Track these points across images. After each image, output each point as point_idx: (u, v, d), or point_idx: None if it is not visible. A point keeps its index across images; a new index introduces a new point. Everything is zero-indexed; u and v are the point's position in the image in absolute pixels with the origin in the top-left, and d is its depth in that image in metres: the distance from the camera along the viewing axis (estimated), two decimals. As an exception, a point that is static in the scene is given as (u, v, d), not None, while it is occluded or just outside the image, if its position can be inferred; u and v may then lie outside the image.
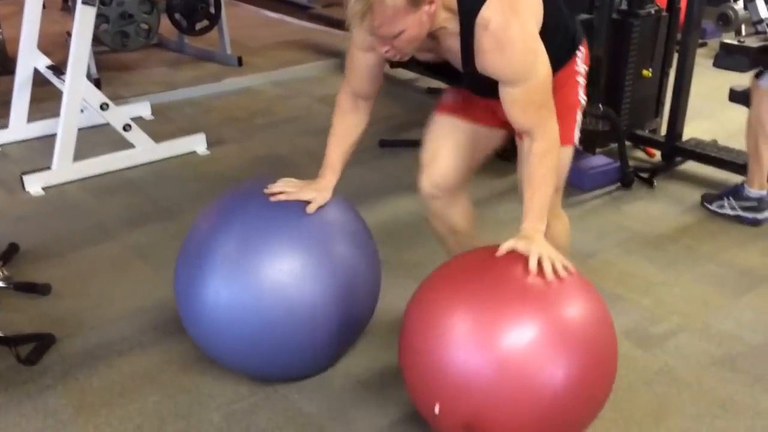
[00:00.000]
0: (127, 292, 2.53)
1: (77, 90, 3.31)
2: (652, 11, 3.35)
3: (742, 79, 2.99)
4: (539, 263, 1.62)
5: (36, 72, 3.72)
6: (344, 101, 1.94)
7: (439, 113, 1.98)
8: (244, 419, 1.94)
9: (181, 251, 2.02)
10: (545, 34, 1.68)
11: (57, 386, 2.07)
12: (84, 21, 3.23)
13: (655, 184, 3.26)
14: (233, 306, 1.85)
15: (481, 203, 3.15)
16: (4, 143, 3.79)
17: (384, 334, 2.23)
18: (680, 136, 3.42)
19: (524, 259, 1.64)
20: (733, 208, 2.94)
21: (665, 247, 2.79)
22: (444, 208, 2.01)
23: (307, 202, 1.91)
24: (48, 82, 3.68)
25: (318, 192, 1.92)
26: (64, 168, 3.34)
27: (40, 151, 3.63)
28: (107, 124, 3.52)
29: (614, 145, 3.45)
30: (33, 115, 3.84)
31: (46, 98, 3.95)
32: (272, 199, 1.90)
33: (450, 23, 1.65)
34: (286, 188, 1.92)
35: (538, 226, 1.70)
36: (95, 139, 3.73)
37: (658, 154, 3.53)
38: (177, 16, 5.11)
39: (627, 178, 3.26)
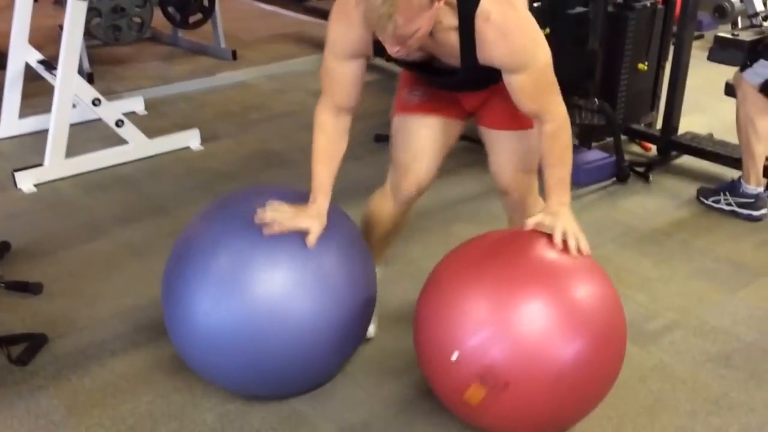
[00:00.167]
0: (120, 290, 2.51)
1: (69, 85, 3.28)
2: (648, 4, 3.32)
3: (738, 73, 2.98)
4: (564, 240, 1.71)
5: (27, 67, 3.69)
6: (326, 118, 1.84)
7: (406, 113, 1.98)
8: (238, 419, 1.93)
9: (169, 266, 1.91)
10: None
11: (49, 387, 2.06)
12: (75, 15, 3.20)
13: (651, 178, 3.25)
14: (223, 324, 1.74)
15: (476, 198, 3.14)
16: (-4, 139, 3.77)
17: (380, 332, 2.22)
18: (676, 130, 3.40)
19: (539, 241, 1.74)
20: (728, 204, 2.93)
21: (661, 242, 2.78)
22: (408, 207, 2.09)
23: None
24: (40, 77, 3.65)
25: (313, 219, 1.79)
26: (57, 164, 3.32)
27: (33, 147, 3.61)
28: (100, 120, 3.50)
29: (610, 140, 3.43)
30: (25, 111, 3.82)
31: (38, 93, 3.93)
32: (266, 232, 1.75)
33: (448, 18, 1.65)
34: (277, 216, 1.77)
35: (563, 200, 1.79)
36: (88, 134, 3.71)
37: (653, 149, 3.52)
38: (170, 9, 5.08)
39: (623, 173, 3.25)
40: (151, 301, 2.42)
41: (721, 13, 2.94)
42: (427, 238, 2.77)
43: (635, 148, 3.60)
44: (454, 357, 1.63)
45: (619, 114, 3.41)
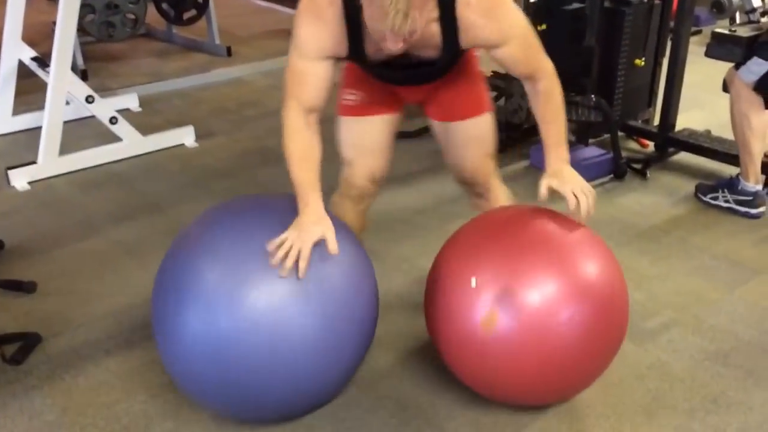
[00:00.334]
0: (114, 288, 2.50)
1: (62, 82, 3.26)
2: (645, -1, 3.31)
3: (735, 69, 2.97)
4: (577, 199, 1.78)
5: (21, 64, 3.67)
6: (296, 120, 1.77)
7: (351, 115, 2.01)
8: (234, 418, 1.91)
9: (158, 281, 1.79)
10: None
11: (43, 386, 2.04)
12: (68, 12, 3.18)
13: (648, 175, 3.24)
14: (215, 344, 1.63)
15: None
16: (-10, 137, 3.74)
17: (377, 332, 2.20)
18: (673, 126, 3.39)
19: (545, 216, 1.81)
20: (727, 201, 2.92)
21: (658, 239, 2.78)
22: (366, 201, 2.12)
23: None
24: (33, 74, 3.64)
25: (318, 225, 1.70)
26: (50, 162, 3.30)
27: (27, 144, 3.59)
28: (94, 117, 3.49)
29: (607, 136, 3.43)
30: (18, 108, 3.80)
31: (31, 90, 3.92)
32: (284, 273, 1.63)
33: (429, 9, 1.63)
34: (287, 249, 1.64)
35: (563, 156, 1.85)
36: (82, 132, 3.70)
37: (651, 145, 3.51)
38: (164, 5, 5.07)
39: (620, 170, 3.24)
40: (145, 299, 2.39)
41: (719, 9, 2.93)
42: (423, 236, 2.76)
43: (632, 145, 3.60)
44: (473, 283, 1.70)
45: (616, 110, 3.40)
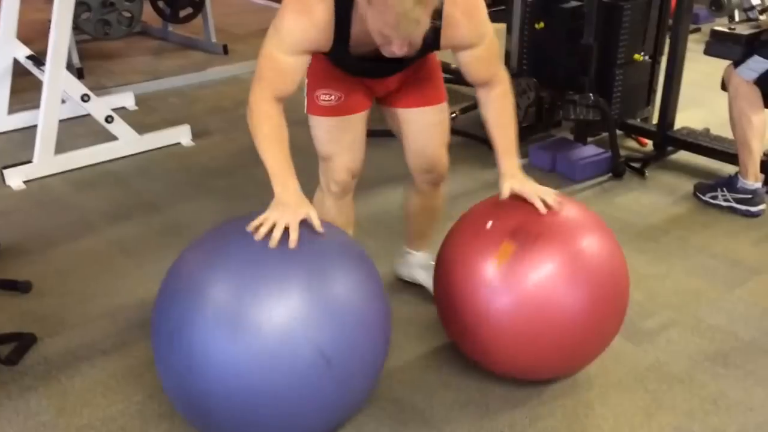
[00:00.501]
0: (110, 288, 2.48)
1: (57, 81, 3.25)
2: (643, -5, 3.30)
3: (734, 67, 2.96)
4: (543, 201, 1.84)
5: (16, 62, 3.66)
6: (268, 106, 1.76)
7: (325, 115, 2.02)
8: None
9: (157, 303, 1.72)
10: None
11: (38, 387, 2.03)
12: (63, 10, 3.17)
13: (647, 174, 3.24)
14: (225, 367, 1.55)
15: (471, 194, 3.11)
16: (-15, 135, 3.73)
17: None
18: (672, 125, 3.39)
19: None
20: (726, 200, 2.91)
21: (657, 238, 2.77)
22: (348, 195, 2.16)
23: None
24: (29, 72, 3.62)
25: (301, 205, 1.69)
26: (46, 161, 3.29)
27: (22, 143, 3.57)
28: (90, 115, 3.47)
29: (605, 135, 3.41)
30: (13, 107, 3.79)
31: (27, 89, 3.90)
32: (274, 244, 1.61)
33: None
34: (270, 225, 1.64)
35: (516, 162, 1.93)
36: (78, 130, 3.68)
37: (649, 144, 3.50)
38: (160, 3, 5.06)
39: (618, 169, 3.23)
40: (141, 299, 2.39)
41: (718, 7, 2.91)
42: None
43: (631, 144, 3.59)
44: (489, 225, 1.84)
45: (614, 109, 3.39)
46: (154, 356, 1.71)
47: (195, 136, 3.72)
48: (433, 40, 1.74)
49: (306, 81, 2.03)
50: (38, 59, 3.55)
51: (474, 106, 3.53)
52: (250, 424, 1.63)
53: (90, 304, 2.39)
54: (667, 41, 3.34)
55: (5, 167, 3.23)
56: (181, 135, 3.69)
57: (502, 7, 3.76)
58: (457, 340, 2.00)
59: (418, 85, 2.06)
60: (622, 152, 3.33)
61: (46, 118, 3.24)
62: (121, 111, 3.95)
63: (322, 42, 1.75)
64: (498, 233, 1.81)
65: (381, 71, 1.98)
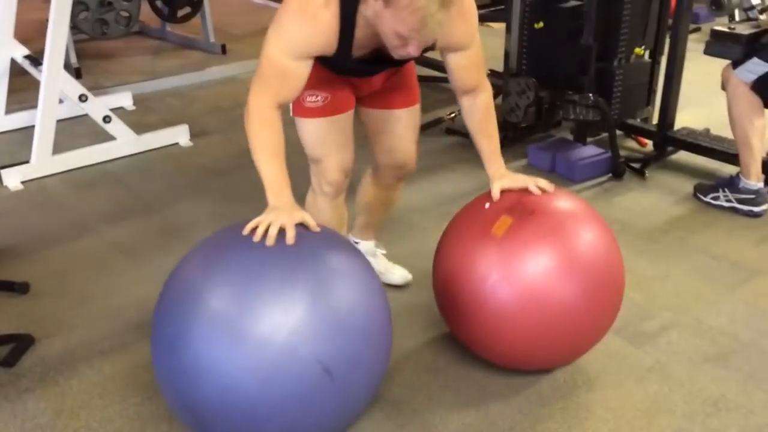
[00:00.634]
0: (108, 289, 2.47)
1: (55, 81, 3.24)
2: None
3: (734, 67, 2.95)
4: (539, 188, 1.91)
5: (13, 62, 3.64)
6: (270, 113, 1.75)
7: (314, 116, 2.02)
8: None
9: (158, 309, 1.70)
10: None
11: (36, 389, 2.02)
12: (61, 9, 3.16)
13: (647, 174, 3.23)
14: (225, 376, 1.53)
15: (470, 194, 3.09)
16: (-18, 136, 3.71)
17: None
18: (672, 125, 3.38)
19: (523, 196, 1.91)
20: (728, 200, 2.90)
21: (657, 239, 2.76)
22: (341, 194, 2.18)
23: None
24: (26, 72, 3.61)
25: (295, 210, 1.70)
26: (43, 161, 3.28)
27: (20, 143, 3.56)
28: (88, 115, 3.46)
29: (605, 135, 3.41)
30: (11, 107, 3.77)
31: (24, 89, 3.89)
32: (272, 242, 1.60)
33: None
34: (266, 226, 1.63)
35: (502, 164, 2.00)
36: (76, 130, 3.67)
37: (649, 144, 3.49)
38: (158, 2, 5.05)
39: (618, 169, 3.22)
40: (139, 300, 2.39)
41: (718, 6, 2.91)
42: (420, 236, 2.74)
43: (631, 144, 3.58)
44: (487, 206, 1.92)
45: (614, 109, 3.38)
46: (154, 363, 1.69)
47: (193, 136, 3.71)
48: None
49: None
50: (36, 59, 3.53)
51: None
52: None
53: (88, 305, 2.38)
54: (667, 41, 3.33)
55: (3, 167, 3.22)
56: (179, 135, 3.68)
57: (502, 7, 3.75)
58: (456, 329, 2.03)
59: (399, 86, 2.11)
60: (622, 152, 3.33)
61: (43, 118, 3.23)
62: (119, 111, 3.94)
63: (326, 48, 1.76)
64: (495, 211, 1.90)
65: (372, 70, 2.00)
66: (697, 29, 5.05)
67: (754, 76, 2.77)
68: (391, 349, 2.07)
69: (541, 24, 3.47)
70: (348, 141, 2.10)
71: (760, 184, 2.86)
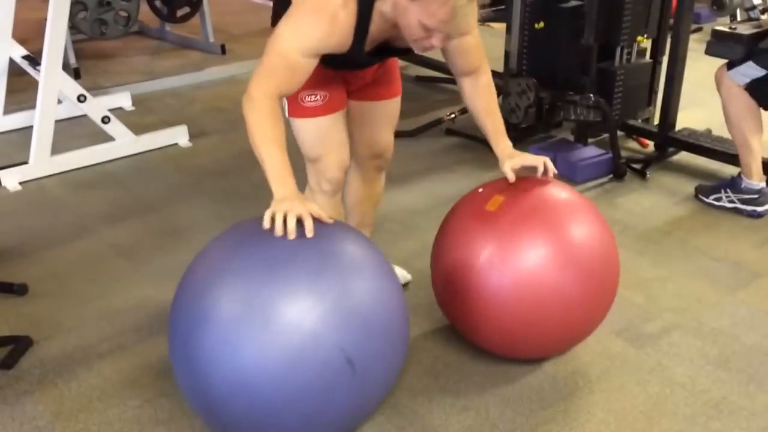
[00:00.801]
0: (107, 291, 2.46)
1: (53, 81, 3.23)
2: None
3: (736, 67, 2.94)
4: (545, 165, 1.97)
5: (11, 62, 3.63)
6: (274, 104, 1.74)
7: (312, 116, 2.03)
8: (227, 426, 1.88)
9: (177, 298, 1.68)
10: None
11: (34, 391, 2.01)
12: (59, 9, 3.15)
13: (648, 175, 3.22)
14: (252, 357, 1.53)
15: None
16: (-20, 136, 3.70)
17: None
18: (673, 125, 3.37)
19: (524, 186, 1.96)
20: (731, 201, 2.89)
21: (658, 240, 2.75)
22: (339, 191, 2.20)
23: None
24: (25, 72, 3.60)
25: (306, 201, 1.69)
26: (42, 162, 3.27)
27: (18, 143, 3.55)
28: (86, 116, 3.45)
29: (606, 136, 3.40)
30: (9, 107, 3.76)
31: (23, 89, 3.88)
32: (292, 236, 1.59)
33: None
34: (282, 218, 1.62)
35: (508, 143, 2.03)
36: (74, 131, 3.66)
37: (651, 145, 3.48)
38: (157, 2, 5.04)
39: (619, 170, 3.21)
40: (138, 302, 2.38)
41: (719, 6, 2.90)
42: (420, 237, 2.73)
43: (632, 145, 3.57)
44: (480, 190, 2.01)
45: (615, 109, 3.37)
46: (170, 354, 1.68)
47: (192, 136, 3.70)
48: None
49: None
50: (34, 59, 3.52)
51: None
52: (265, 427, 1.61)
53: (87, 307, 2.37)
54: (669, 41, 3.32)
55: (1, 168, 3.21)
56: (179, 136, 3.67)
57: (502, 7, 3.74)
58: (455, 320, 2.07)
59: (385, 78, 2.14)
60: (623, 153, 3.32)
61: (42, 118, 3.22)
62: (117, 111, 3.93)
63: (341, 46, 1.77)
64: (489, 194, 1.98)
65: (373, 63, 2.02)
66: (699, 29, 5.04)
67: (747, 79, 2.78)
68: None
69: (541, 24, 3.46)
70: (345, 137, 2.12)
71: (763, 184, 2.86)
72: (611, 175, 3.23)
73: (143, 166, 3.44)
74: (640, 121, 3.55)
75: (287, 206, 1.62)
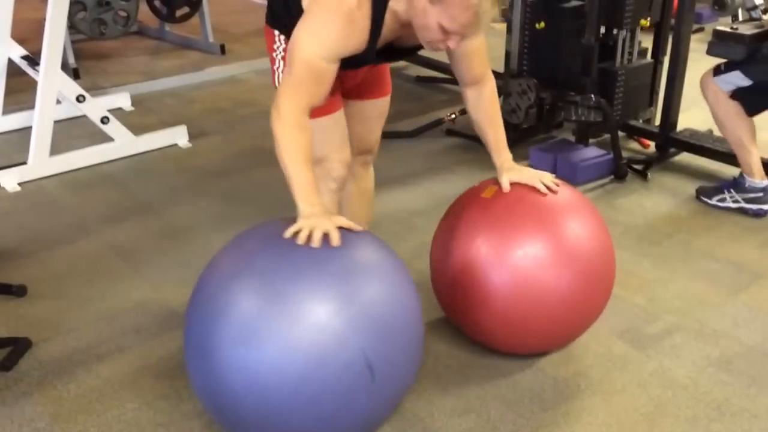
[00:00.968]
0: (106, 292, 2.46)
1: (52, 82, 3.22)
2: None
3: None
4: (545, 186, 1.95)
5: (10, 62, 3.63)
6: (303, 118, 1.75)
7: (317, 116, 1.99)
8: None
9: (191, 307, 1.68)
10: None
11: (33, 393, 2.00)
12: (58, 9, 3.14)
13: (649, 176, 3.21)
14: (267, 368, 1.52)
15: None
16: (-21, 136, 3.70)
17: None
18: (674, 126, 3.36)
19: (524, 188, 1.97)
20: (735, 201, 2.88)
21: (659, 241, 2.74)
22: (343, 187, 2.21)
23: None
24: (24, 73, 3.59)
25: (333, 216, 1.71)
26: (41, 163, 3.26)
27: (17, 144, 3.54)
28: (86, 116, 3.44)
29: (607, 136, 3.39)
30: (8, 107, 3.75)
31: (22, 89, 3.88)
32: (317, 244, 1.60)
33: None
34: (308, 232, 1.62)
35: (509, 156, 2.03)
36: (73, 131, 3.65)
37: (652, 145, 3.47)
38: (157, 2, 5.03)
39: (620, 171, 3.20)
40: (138, 303, 2.37)
41: (721, 6, 2.89)
42: (420, 238, 2.72)
43: (633, 145, 3.56)
44: (477, 183, 2.06)
45: (616, 110, 3.36)
46: (185, 348, 1.67)
47: (192, 137, 3.69)
48: None
49: None
50: (33, 59, 3.52)
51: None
52: (281, 429, 1.61)
53: (86, 308, 2.37)
54: (670, 41, 3.31)
55: (0, 169, 3.20)
56: (178, 136, 3.66)
57: (502, 7, 3.73)
58: (454, 315, 2.08)
59: (377, 78, 2.16)
60: (624, 154, 3.31)
61: (40, 119, 3.21)
62: (117, 112, 3.92)
63: (359, 47, 1.78)
64: (485, 184, 2.03)
65: (379, 62, 2.04)
66: (700, 29, 5.04)
67: (732, 87, 2.80)
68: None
69: (542, 24, 3.45)
70: (347, 135, 2.13)
71: (766, 182, 2.85)
72: (612, 176, 3.22)
73: (142, 166, 3.43)
74: (641, 121, 3.54)
75: (314, 222, 1.62)
